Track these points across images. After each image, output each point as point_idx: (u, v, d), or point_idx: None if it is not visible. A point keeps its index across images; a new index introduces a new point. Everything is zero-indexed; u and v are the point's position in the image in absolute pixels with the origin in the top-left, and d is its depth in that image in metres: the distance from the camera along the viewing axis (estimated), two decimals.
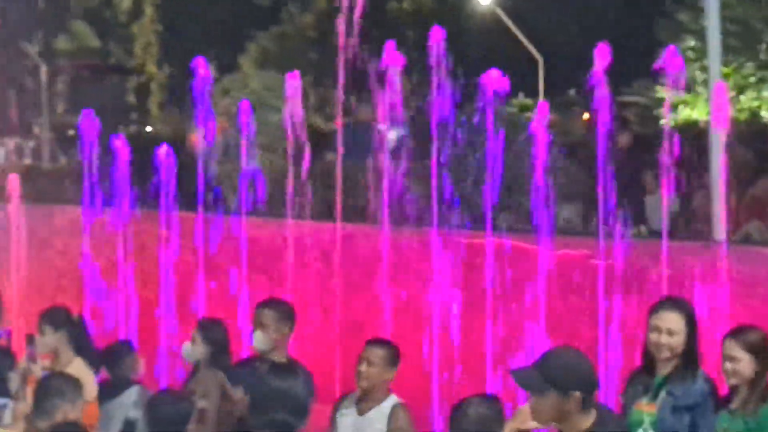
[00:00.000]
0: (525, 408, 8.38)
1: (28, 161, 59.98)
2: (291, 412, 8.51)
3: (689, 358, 9.78)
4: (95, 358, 12.27)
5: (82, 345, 12.15)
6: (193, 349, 11.78)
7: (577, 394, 7.69)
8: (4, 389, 11.25)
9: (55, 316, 12.56)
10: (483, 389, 12.49)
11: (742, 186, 17.77)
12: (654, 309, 9.99)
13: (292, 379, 8.88)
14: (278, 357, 11.10)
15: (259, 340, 11.38)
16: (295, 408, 8.55)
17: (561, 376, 7.74)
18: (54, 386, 9.96)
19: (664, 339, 9.73)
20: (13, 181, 17.45)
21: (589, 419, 7.79)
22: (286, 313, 11.69)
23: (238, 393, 10.85)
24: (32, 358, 11.40)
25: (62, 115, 75.20)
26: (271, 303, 11.95)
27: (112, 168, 15.73)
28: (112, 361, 12.56)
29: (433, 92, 12.96)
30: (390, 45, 13.18)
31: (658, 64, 11.90)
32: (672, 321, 9.77)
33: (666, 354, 9.75)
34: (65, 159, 51.14)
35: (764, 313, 10.79)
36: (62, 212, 17.59)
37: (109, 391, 11.94)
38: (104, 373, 12.47)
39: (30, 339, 11.76)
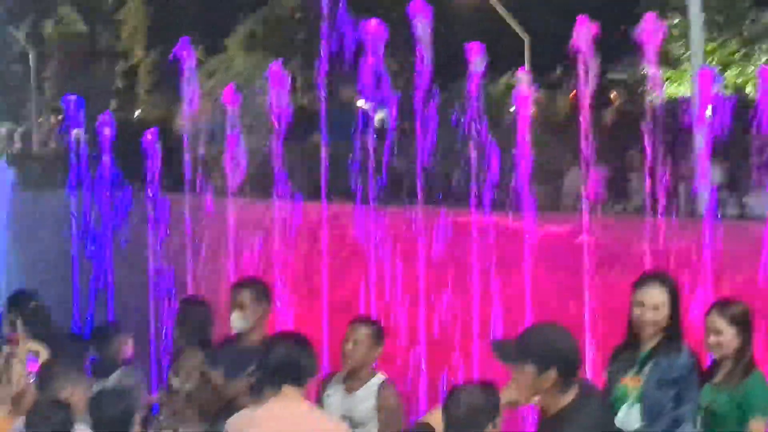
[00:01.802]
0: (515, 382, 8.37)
1: (17, 146, 60.02)
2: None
3: (673, 332, 9.77)
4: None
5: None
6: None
7: (555, 370, 7.67)
8: None
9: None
10: (470, 366, 12.54)
11: None
12: (637, 284, 9.97)
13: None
14: (256, 336, 11.07)
15: (238, 320, 11.33)
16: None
17: (539, 351, 7.71)
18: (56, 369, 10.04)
19: (649, 314, 9.72)
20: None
21: (568, 396, 7.73)
22: (263, 292, 11.62)
23: (217, 375, 10.92)
24: (15, 340, 11.39)
25: (52, 100, 75.20)
26: (246, 281, 11.91)
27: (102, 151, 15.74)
28: (100, 342, 12.56)
29: (417, 67, 12.96)
30: (378, 23, 13.18)
31: (637, 35, 11.89)
32: (656, 296, 9.76)
33: (650, 329, 9.74)
34: (53, 143, 51.21)
35: (746, 287, 10.81)
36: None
37: (98, 371, 11.94)
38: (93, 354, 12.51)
39: (14, 318, 11.74)
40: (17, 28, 74.91)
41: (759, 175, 14.96)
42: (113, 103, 66.97)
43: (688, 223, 11.79)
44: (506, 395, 8.31)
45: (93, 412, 9.34)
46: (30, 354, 11.21)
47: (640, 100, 14.07)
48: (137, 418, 9.50)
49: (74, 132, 16.48)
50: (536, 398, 8.01)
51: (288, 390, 8.57)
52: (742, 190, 18.20)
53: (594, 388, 8.49)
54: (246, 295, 11.38)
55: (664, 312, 9.73)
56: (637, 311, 9.78)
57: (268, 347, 9.03)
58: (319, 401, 10.56)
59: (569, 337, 7.96)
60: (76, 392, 9.67)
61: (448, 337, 13.05)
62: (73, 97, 16.71)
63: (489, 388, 8.30)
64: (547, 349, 7.73)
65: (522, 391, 7.96)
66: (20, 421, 9.50)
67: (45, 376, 10.06)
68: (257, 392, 9.62)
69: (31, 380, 10.54)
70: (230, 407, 10.13)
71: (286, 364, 8.65)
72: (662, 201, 11.45)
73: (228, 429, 8.83)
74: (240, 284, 11.80)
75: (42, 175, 30.20)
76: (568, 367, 7.74)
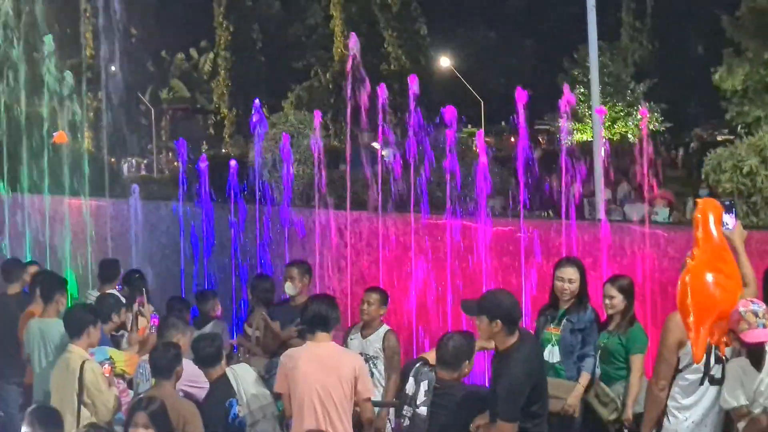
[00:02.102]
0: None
1: (143, 173, 59.98)
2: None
3: (582, 297, 9.89)
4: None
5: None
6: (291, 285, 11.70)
7: (499, 321, 7.82)
8: (122, 324, 11.30)
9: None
10: (446, 322, 12.57)
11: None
12: (558, 264, 10.13)
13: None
14: (302, 299, 11.12)
15: (290, 288, 11.45)
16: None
17: (490, 307, 7.87)
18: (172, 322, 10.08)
19: (567, 285, 9.86)
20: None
21: (513, 338, 7.91)
22: (306, 268, 11.77)
23: (275, 325, 10.98)
24: (142, 304, 11.41)
25: (166, 141, 75.16)
26: (295, 262, 12.05)
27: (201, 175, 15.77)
28: (200, 303, 12.62)
29: (410, 121, 13.01)
30: (381, 88, 13.23)
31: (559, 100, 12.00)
32: (571, 273, 9.90)
33: (567, 296, 9.87)
34: (166, 171, 51.18)
35: (630, 267, 10.86)
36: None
37: (198, 324, 11.98)
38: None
39: (140, 290, 11.76)
40: (143, 93, 74.88)
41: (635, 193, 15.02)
42: (206, 144, 66.90)
43: (589, 225, 11.84)
44: (478, 343, 8.47)
45: (194, 350, 9.40)
46: (152, 312, 11.27)
47: (558, 142, 14.08)
48: (223, 354, 9.54)
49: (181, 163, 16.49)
50: (493, 343, 8.13)
51: (319, 334, 8.76)
52: (623, 202, 18.23)
53: (530, 334, 8.64)
54: (294, 271, 11.54)
55: (576, 284, 9.86)
56: (558, 283, 9.92)
57: (306, 306, 9.16)
58: (345, 343, 10.64)
59: (511, 298, 8.13)
60: (183, 338, 9.72)
61: (433, 300, 13.08)
62: (181, 140, 16.75)
63: (468, 335, 8.47)
64: (494, 306, 7.87)
65: (481, 334, 8.10)
66: (145, 358, 9.58)
67: (162, 326, 10.11)
68: (302, 336, 9.78)
69: (153, 330, 10.60)
70: (284, 347, 10.22)
71: (318, 316, 8.82)
72: (572, 210, 11.51)
73: (282, 360, 8.98)
74: (291, 264, 11.95)
75: (159, 193, 30.09)
76: (510, 318, 7.90)
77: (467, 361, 8.28)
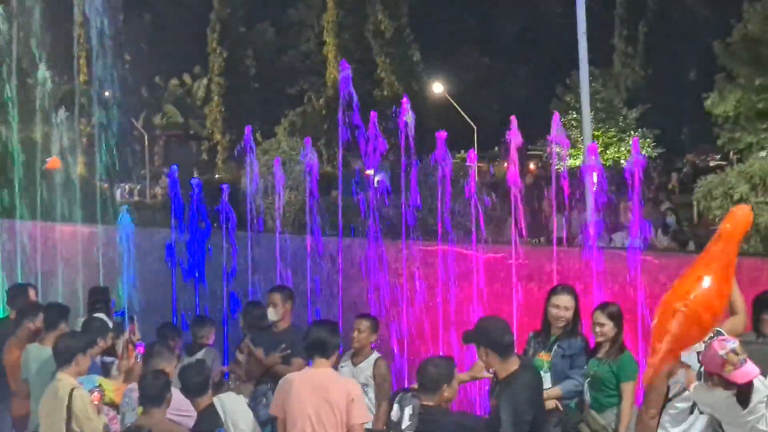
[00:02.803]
0: (479, 361, 8.52)
1: (136, 198, 59.92)
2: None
3: (574, 324, 9.90)
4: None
5: None
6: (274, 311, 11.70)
7: (488, 348, 8.01)
8: (113, 351, 11.27)
9: None
10: (438, 349, 12.51)
11: None
12: (553, 291, 10.16)
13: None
14: (284, 324, 11.13)
15: (272, 314, 11.43)
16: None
17: (478, 335, 7.97)
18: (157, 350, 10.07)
19: (562, 313, 9.90)
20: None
21: (512, 366, 8.01)
22: (288, 293, 11.75)
23: (258, 352, 10.96)
24: (133, 331, 11.38)
25: (159, 167, 75.17)
26: (277, 288, 12.04)
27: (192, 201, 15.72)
28: (196, 328, 12.59)
29: (401, 146, 12.98)
30: (373, 114, 13.20)
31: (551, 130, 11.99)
32: (566, 300, 9.94)
33: (561, 323, 9.88)
34: (159, 196, 51.13)
35: (619, 293, 10.84)
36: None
37: (189, 351, 11.96)
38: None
39: (131, 318, 11.73)
40: (137, 118, 74.97)
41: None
42: (199, 170, 66.90)
43: (578, 250, 11.81)
44: (470, 372, 8.57)
45: (182, 379, 9.36)
46: (138, 340, 11.24)
47: (550, 167, 14.08)
48: (210, 383, 9.51)
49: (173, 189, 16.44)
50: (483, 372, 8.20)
51: (318, 360, 8.87)
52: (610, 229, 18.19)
53: (529, 360, 8.66)
54: (277, 297, 11.56)
55: (571, 312, 9.87)
56: (553, 310, 9.96)
57: (306, 331, 9.21)
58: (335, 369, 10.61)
59: (500, 324, 8.22)
60: (169, 366, 9.71)
61: (424, 326, 13.04)
62: (173, 166, 16.73)
63: (447, 359, 8.53)
64: (482, 334, 7.97)
65: (479, 368, 8.24)
66: (131, 386, 9.58)
67: (148, 354, 10.10)
68: (287, 362, 9.84)
69: (139, 359, 10.59)
70: (269, 374, 10.26)
71: (317, 342, 8.90)
72: (564, 235, 11.51)
73: (279, 384, 9.02)
74: (273, 289, 11.94)
75: (151, 218, 30.09)
76: (499, 345, 8.01)
77: (446, 385, 8.24)
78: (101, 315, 12.61)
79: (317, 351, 8.88)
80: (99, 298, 13.77)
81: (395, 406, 8.39)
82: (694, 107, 49.60)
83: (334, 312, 13.60)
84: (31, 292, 13.99)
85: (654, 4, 63.81)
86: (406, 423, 8.21)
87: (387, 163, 14.65)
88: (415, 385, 8.57)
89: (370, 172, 13.95)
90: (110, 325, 11.90)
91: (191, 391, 9.24)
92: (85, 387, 9.54)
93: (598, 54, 42.88)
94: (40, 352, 10.95)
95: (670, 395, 8.13)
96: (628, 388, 9.50)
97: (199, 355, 11.69)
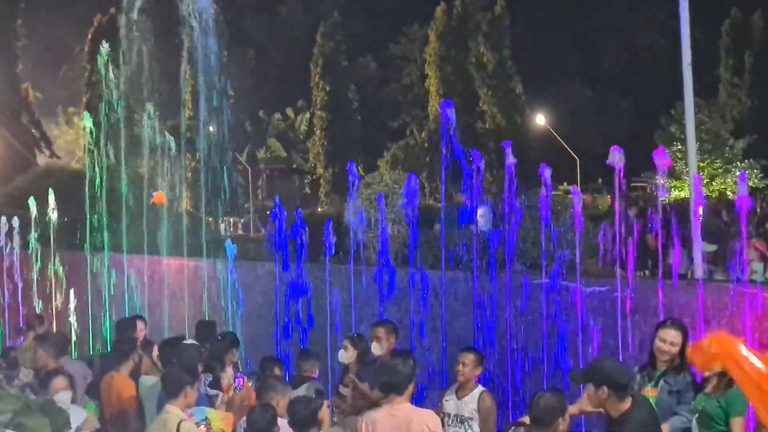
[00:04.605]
0: (585, 394, 8.50)
1: (240, 232, 60.60)
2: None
3: (681, 360, 9.78)
4: None
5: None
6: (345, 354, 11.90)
7: (606, 387, 7.93)
8: (217, 384, 11.39)
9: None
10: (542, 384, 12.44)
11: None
12: (661, 325, 10.09)
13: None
14: (387, 357, 11.18)
15: (376, 348, 11.56)
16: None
17: (595, 375, 7.94)
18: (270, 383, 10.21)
19: (667, 347, 9.82)
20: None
21: (625, 404, 8.02)
22: (391, 327, 11.87)
23: (364, 386, 11.00)
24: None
25: (262, 201, 75.97)
26: (381, 322, 12.16)
27: (296, 236, 15.85)
28: (302, 361, 12.70)
29: (506, 181, 12.97)
30: (475, 152, 13.20)
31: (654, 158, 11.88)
32: (674, 335, 9.86)
33: (666, 357, 9.79)
34: (264, 230, 51.58)
35: (728, 327, 10.65)
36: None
37: (294, 384, 12.04)
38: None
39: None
40: (241, 153, 75.91)
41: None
42: (301, 203, 67.48)
43: (688, 285, 11.65)
44: (578, 405, 8.52)
45: (290, 413, 9.46)
46: (237, 373, 11.44)
47: (655, 200, 13.94)
48: (318, 418, 9.63)
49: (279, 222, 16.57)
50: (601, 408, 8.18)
51: (392, 396, 9.15)
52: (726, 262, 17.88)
53: (644, 399, 8.64)
54: (381, 331, 11.68)
55: (677, 347, 9.79)
56: (660, 344, 9.90)
57: (378, 369, 9.53)
58: (440, 404, 10.68)
59: (618, 364, 8.44)
60: (282, 399, 9.83)
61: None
62: (277, 199, 16.89)
63: (558, 392, 8.50)
64: (600, 373, 7.93)
65: (587, 402, 8.15)
66: (242, 420, 9.72)
67: (261, 387, 10.23)
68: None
69: (238, 390, 10.78)
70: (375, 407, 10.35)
71: (389, 382, 9.21)
72: (672, 268, 11.35)
73: (360, 423, 9.32)
74: (377, 324, 12.05)
75: (255, 251, 30.36)
76: (617, 384, 8.01)
77: (561, 419, 8.20)
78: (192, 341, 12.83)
79: (392, 389, 9.15)
80: (206, 331, 13.93)
81: None
82: None
83: (438, 346, 13.62)
84: (140, 325, 14.24)
85: (759, 33, 62.93)
86: None
87: (490, 197, 14.64)
88: (526, 418, 8.55)
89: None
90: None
91: (299, 425, 9.34)
92: (196, 418, 9.68)
93: (704, 84, 42.40)
94: (151, 382, 11.19)
95: None
96: (737, 423, 9.35)
97: (302, 389, 11.77)
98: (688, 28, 14.02)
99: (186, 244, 20.43)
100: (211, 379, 11.17)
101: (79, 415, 9.87)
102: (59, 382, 10.64)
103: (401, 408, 9.04)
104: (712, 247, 18.50)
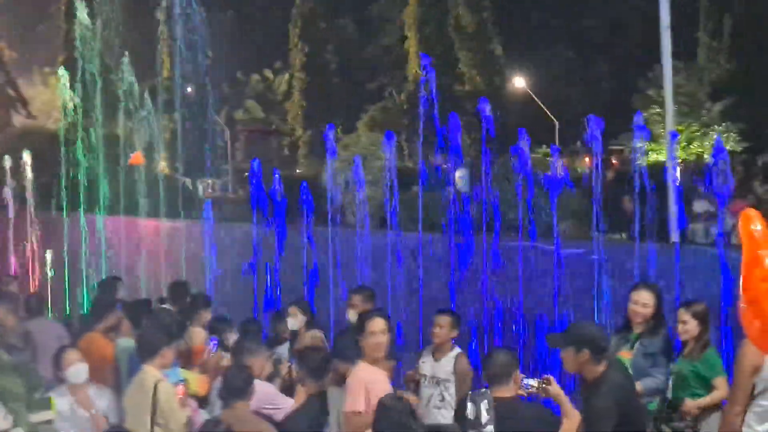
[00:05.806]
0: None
1: (217, 193, 60.43)
2: None
3: (656, 321, 9.82)
4: None
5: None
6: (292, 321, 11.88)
7: (587, 350, 7.92)
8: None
9: None
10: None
11: None
12: (634, 288, 10.15)
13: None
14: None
15: (352, 315, 11.41)
16: None
17: (575, 338, 7.92)
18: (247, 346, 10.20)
19: (640, 309, 9.84)
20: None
21: (601, 367, 8.01)
22: (369, 295, 11.81)
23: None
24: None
25: (240, 162, 75.74)
26: (359, 289, 12.11)
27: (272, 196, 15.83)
28: (277, 322, 12.69)
29: (483, 142, 12.96)
30: (453, 115, 13.17)
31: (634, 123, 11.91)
32: (646, 297, 9.90)
33: (640, 319, 9.84)
34: (242, 191, 51.44)
35: (704, 289, 10.73)
36: None
37: (270, 343, 12.02)
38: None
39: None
40: (218, 114, 75.60)
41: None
42: (280, 165, 67.31)
43: (663, 247, 11.71)
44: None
45: (224, 381, 9.37)
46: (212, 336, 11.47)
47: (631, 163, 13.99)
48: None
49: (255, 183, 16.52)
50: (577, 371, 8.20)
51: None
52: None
53: (618, 361, 8.66)
54: (357, 299, 11.55)
55: (650, 309, 9.83)
56: (633, 306, 9.91)
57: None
58: (416, 366, 10.69)
59: (597, 327, 8.41)
60: (257, 360, 9.83)
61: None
62: (255, 161, 16.85)
63: (509, 350, 8.58)
64: (580, 336, 7.93)
65: (567, 365, 8.12)
66: (217, 381, 9.73)
67: (238, 350, 10.21)
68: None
69: (212, 354, 10.81)
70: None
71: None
72: (646, 231, 11.41)
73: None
74: (354, 290, 11.99)
75: (233, 213, 30.31)
76: (597, 347, 8.00)
77: (516, 372, 8.16)
78: (167, 306, 12.82)
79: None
80: (179, 292, 13.83)
81: (469, 405, 8.29)
82: None
83: (414, 308, 13.64)
84: (119, 286, 14.17)
85: None
86: (485, 418, 8.14)
87: (468, 159, 14.64)
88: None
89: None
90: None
91: (232, 394, 9.14)
92: (170, 380, 9.64)
93: (682, 47, 42.34)
94: (126, 344, 11.16)
95: (755, 392, 8.03)
96: (719, 383, 9.42)
97: (281, 348, 11.79)
98: None
99: (163, 205, 20.37)
100: (217, 341, 11.17)
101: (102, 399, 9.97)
102: (71, 355, 10.24)
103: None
104: (704, 206, 18.54)
